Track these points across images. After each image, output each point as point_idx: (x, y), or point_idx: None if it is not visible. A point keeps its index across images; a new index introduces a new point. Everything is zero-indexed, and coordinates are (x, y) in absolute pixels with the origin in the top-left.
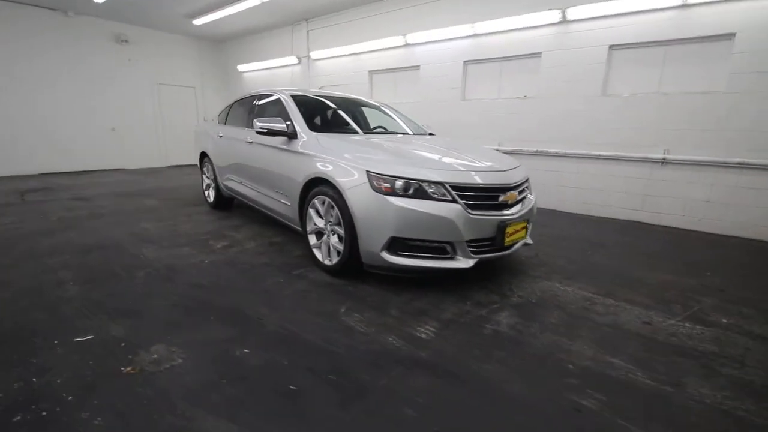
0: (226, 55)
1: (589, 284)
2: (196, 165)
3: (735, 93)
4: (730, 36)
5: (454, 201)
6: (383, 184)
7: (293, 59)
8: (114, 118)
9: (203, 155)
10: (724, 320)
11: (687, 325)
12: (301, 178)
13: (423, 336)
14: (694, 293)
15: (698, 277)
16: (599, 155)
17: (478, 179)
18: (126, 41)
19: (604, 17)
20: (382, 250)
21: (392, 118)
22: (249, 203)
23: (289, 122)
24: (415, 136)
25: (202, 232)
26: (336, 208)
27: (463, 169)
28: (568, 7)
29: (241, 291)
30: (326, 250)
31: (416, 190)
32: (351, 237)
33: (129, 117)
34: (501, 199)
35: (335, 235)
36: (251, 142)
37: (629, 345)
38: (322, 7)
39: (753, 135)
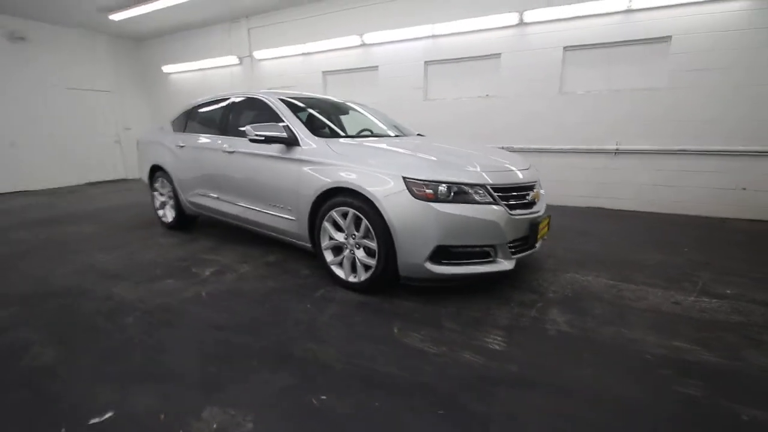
0: (148, 54)
1: (601, 271)
2: (120, 180)
3: (674, 89)
4: (667, 39)
5: (495, 203)
6: (425, 191)
7: (233, 59)
8: (12, 131)
9: (155, 169)
10: (728, 291)
11: (704, 299)
12: (312, 190)
13: (497, 347)
14: (689, 269)
15: (680, 255)
16: (559, 149)
17: (514, 179)
18: (22, 39)
19: (558, 20)
20: (426, 260)
21: (374, 120)
22: (228, 221)
23: (285, 128)
24: (410, 137)
25: (174, 259)
26: (365, 220)
27: (497, 169)
28: (525, 10)
29: (272, 326)
30: (349, 266)
31: (457, 194)
32: (386, 250)
33: (32, 129)
34: (530, 197)
35: (360, 249)
36: (231, 152)
37: (678, 326)
38: (264, 4)
39: (690, 125)
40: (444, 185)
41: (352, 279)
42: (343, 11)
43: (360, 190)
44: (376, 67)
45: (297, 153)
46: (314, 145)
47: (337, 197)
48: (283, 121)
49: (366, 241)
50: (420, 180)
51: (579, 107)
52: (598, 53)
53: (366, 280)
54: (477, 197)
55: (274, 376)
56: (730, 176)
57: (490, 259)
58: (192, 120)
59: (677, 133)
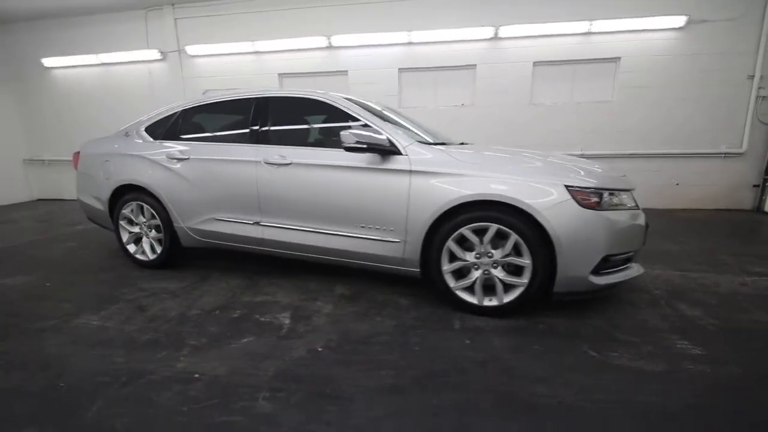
0: (19, 43)
1: (660, 265)
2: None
3: (622, 102)
4: (617, 59)
5: (638, 207)
6: (592, 199)
7: (152, 53)
8: None
9: (123, 191)
10: (759, 269)
11: (757, 278)
12: (435, 206)
13: (697, 352)
14: (711, 255)
15: (686, 244)
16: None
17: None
18: None
19: (528, 37)
20: (590, 273)
21: (409, 124)
22: (268, 251)
23: (380, 133)
24: (473, 145)
25: (212, 308)
26: (515, 235)
27: (619, 175)
28: (501, 25)
29: (457, 374)
30: (481, 289)
31: (616, 201)
32: (542, 265)
33: None
34: None
35: (497, 268)
36: (285, 164)
37: None
38: None
39: (637, 132)
40: (607, 192)
41: (489, 303)
42: (305, 9)
43: (514, 203)
44: (346, 71)
45: (401, 163)
46: (428, 154)
47: (471, 212)
48: (372, 125)
49: (512, 259)
50: (586, 188)
51: (547, 117)
52: (563, 69)
53: (512, 301)
54: (630, 203)
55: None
56: (668, 174)
57: (629, 265)
58: (188, 125)
59: (627, 140)
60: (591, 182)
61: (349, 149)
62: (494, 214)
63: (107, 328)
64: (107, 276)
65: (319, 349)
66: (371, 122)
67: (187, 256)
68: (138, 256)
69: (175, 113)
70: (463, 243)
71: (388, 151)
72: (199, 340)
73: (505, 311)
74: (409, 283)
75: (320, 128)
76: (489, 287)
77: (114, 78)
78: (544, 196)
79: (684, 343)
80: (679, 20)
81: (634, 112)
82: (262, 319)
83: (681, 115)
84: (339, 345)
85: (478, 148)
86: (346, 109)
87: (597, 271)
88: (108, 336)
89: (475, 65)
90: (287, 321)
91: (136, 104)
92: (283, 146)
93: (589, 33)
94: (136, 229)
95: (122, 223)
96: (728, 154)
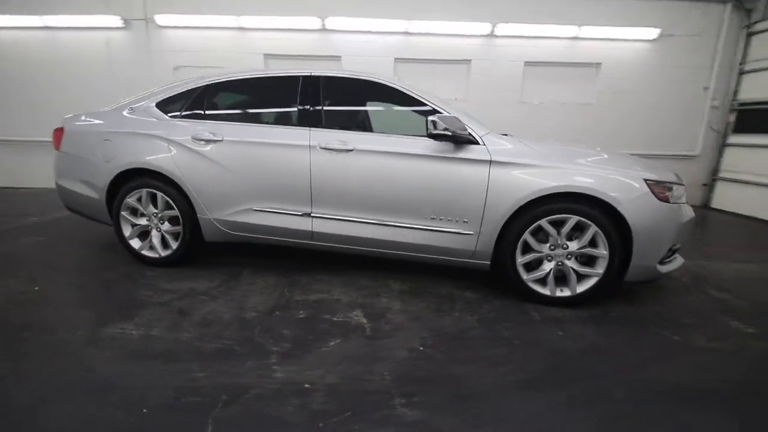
0: None
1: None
2: None
3: (601, 106)
4: (599, 65)
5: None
6: (665, 193)
7: (113, 20)
8: None
9: (128, 176)
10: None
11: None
12: (514, 199)
13: (752, 332)
14: (704, 246)
15: None
16: None
17: None
18: None
19: (522, 37)
20: (658, 262)
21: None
22: (324, 245)
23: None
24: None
25: (266, 309)
26: (594, 226)
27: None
28: (498, 22)
29: (570, 364)
30: (553, 280)
31: (678, 195)
32: (619, 256)
33: None
34: None
35: (571, 259)
36: (348, 150)
37: None
38: None
39: (615, 134)
40: (675, 186)
41: (561, 293)
42: None
43: (600, 195)
44: (339, 57)
45: (479, 153)
46: (507, 144)
47: (550, 204)
48: (440, 112)
49: (589, 250)
50: (662, 182)
51: (536, 116)
52: (551, 70)
53: (586, 291)
54: (685, 198)
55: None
56: None
57: (676, 255)
58: (215, 102)
59: (607, 141)
60: (665, 176)
61: (434, 137)
62: (573, 206)
63: (156, 338)
64: (111, 275)
65: (421, 348)
66: (443, 108)
67: (220, 252)
68: (145, 252)
69: (197, 88)
70: (536, 234)
71: (465, 140)
72: (281, 345)
73: (577, 301)
74: (463, 276)
75: (383, 112)
76: (558, 278)
77: (62, 46)
78: (627, 189)
79: (736, 323)
80: (653, 32)
81: (611, 115)
82: (335, 319)
83: (649, 120)
84: (437, 343)
85: (536, 138)
86: (413, 93)
87: (662, 260)
88: (163, 347)
89: (470, 60)
90: (364, 320)
91: (89, 79)
92: (341, 131)
93: (576, 38)
94: (143, 221)
95: (124, 213)
96: (685, 156)
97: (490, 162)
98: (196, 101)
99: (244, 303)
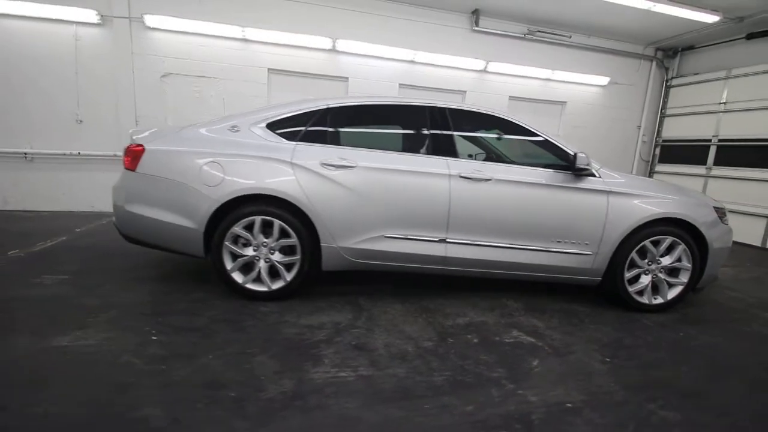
0: None
1: None
2: None
3: (564, 137)
4: (564, 102)
5: None
6: (724, 217)
7: (87, 14)
8: None
9: (245, 201)
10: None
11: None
12: (627, 224)
13: None
14: None
15: None
16: None
17: None
18: None
19: (508, 75)
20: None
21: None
22: (455, 270)
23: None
24: None
25: (422, 338)
26: (683, 245)
27: None
28: (490, 60)
29: (732, 361)
30: (650, 290)
31: (726, 218)
32: (696, 271)
33: None
34: None
35: (663, 272)
36: (486, 179)
37: None
38: None
39: None
40: (724, 211)
41: (655, 302)
42: (312, 5)
43: (691, 221)
44: (346, 78)
45: (598, 184)
46: (619, 178)
47: (650, 227)
48: (564, 150)
49: (678, 264)
50: (721, 209)
51: (515, 143)
52: (530, 104)
53: (674, 298)
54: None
55: None
56: None
57: None
58: (336, 126)
59: None
60: (720, 204)
61: (577, 171)
62: (671, 228)
63: (372, 378)
64: (230, 316)
65: (608, 360)
66: (560, 143)
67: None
68: (249, 285)
69: (316, 111)
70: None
71: (590, 173)
72: (496, 371)
73: (667, 307)
74: (561, 292)
75: (509, 143)
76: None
77: (15, 38)
78: (706, 215)
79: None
80: (604, 80)
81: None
82: (507, 341)
83: (597, 149)
84: (612, 353)
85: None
86: (530, 128)
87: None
88: (389, 386)
89: (465, 92)
90: (531, 338)
91: (50, 81)
92: (474, 161)
93: (549, 80)
94: (249, 252)
95: (228, 243)
96: None
97: (609, 192)
98: (317, 125)
99: (404, 332)
